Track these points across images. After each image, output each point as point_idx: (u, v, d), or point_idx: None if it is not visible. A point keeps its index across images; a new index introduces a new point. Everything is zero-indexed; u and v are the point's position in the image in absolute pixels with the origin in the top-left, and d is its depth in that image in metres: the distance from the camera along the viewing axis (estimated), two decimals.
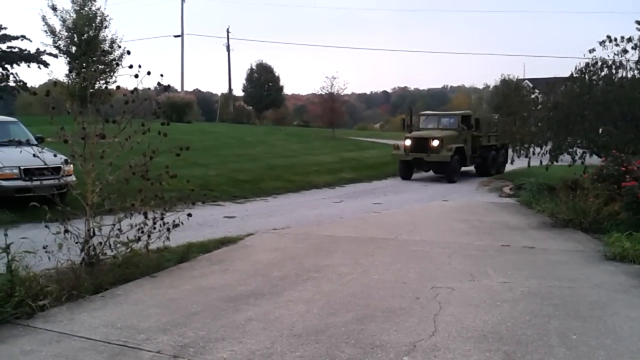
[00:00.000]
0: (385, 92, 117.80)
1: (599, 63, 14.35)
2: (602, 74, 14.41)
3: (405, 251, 8.49)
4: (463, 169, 21.50)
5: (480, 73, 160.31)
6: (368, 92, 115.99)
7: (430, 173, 21.69)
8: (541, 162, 14.89)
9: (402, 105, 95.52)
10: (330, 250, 8.57)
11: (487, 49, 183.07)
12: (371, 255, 8.20)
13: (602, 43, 14.05)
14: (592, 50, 14.26)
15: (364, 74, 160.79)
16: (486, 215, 12.35)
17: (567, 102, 14.35)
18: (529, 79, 40.31)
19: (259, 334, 4.99)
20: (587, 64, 14.50)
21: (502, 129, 19.84)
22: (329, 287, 6.49)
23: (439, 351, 4.60)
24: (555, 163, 14.62)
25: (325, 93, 38.11)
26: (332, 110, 38.09)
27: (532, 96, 17.59)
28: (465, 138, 21.23)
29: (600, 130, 14.42)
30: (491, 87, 66.29)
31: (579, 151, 14.71)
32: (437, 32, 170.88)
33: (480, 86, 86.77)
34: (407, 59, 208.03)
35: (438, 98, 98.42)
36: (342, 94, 39.61)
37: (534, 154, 15.20)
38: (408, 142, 20.76)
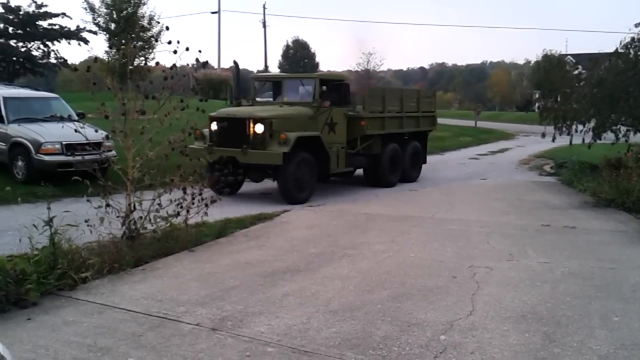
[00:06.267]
0: (422, 68, 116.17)
1: None
2: None
3: (442, 230, 8.41)
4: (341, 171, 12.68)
5: (521, 48, 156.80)
6: (405, 69, 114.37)
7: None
8: (583, 140, 14.51)
9: (440, 82, 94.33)
10: (365, 228, 8.55)
11: (528, 24, 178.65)
12: (407, 234, 8.16)
13: None
14: (638, 25, 13.75)
15: (400, 50, 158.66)
16: (526, 194, 12.14)
17: (611, 79, 13.89)
18: (571, 55, 39.16)
19: (296, 309, 5.03)
20: (632, 39, 13.96)
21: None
22: (365, 265, 6.49)
23: (476, 330, 4.56)
24: (598, 141, 14.25)
25: (361, 70, 37.82)
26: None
27: (575, 72, 17.06)
28: (329, 121, 11.90)
29: None
30: (532, 62, 64.77)
31: (623, 129, 14.28)
32: (477, 5, 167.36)
33: (521, 62, 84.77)
34: (446, 34, 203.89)
35: (477, 74, 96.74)
36: (378, 70, 39.27)
37: (576, 131, 14.82)
38: (214, 127, 11.32)
